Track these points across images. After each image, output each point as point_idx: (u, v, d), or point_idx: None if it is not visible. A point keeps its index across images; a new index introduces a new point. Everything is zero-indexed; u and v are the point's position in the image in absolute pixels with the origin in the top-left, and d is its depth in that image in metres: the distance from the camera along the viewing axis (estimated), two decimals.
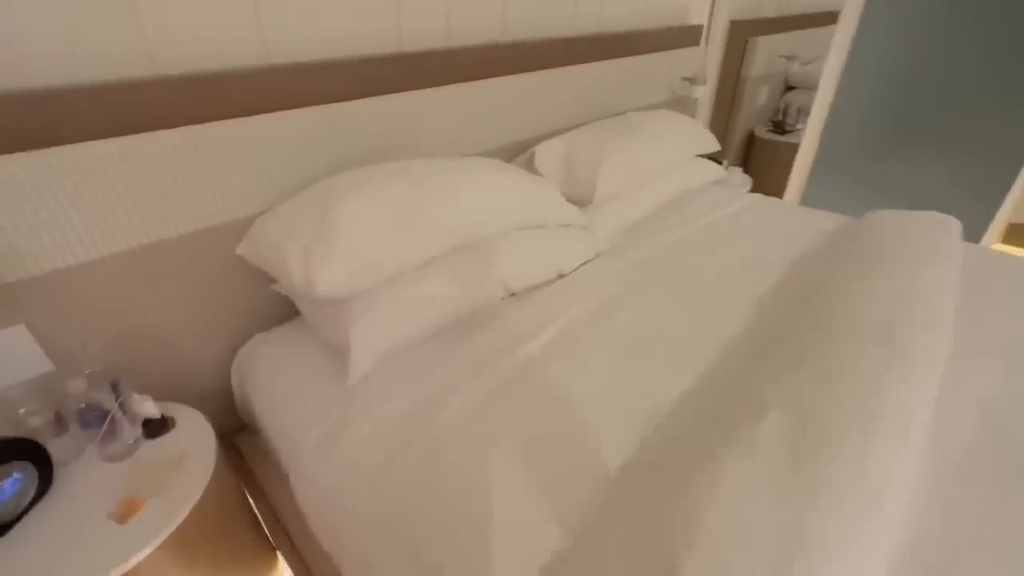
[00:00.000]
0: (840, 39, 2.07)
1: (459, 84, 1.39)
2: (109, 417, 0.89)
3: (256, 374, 1.12)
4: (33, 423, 0.87)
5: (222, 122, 1.03)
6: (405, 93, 1.30)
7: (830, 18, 2.24)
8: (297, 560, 1.16)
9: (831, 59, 2.12)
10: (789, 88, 3.15)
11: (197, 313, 1.13)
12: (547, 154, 1.47)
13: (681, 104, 2.32)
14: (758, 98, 2.90)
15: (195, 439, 0.98)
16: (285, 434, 0.99)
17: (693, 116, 2.49)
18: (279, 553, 1.19)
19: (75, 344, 0.98)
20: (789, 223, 1.58)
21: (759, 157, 2.95)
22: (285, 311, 1.26)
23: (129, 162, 0.92)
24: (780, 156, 2.83)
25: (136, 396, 0.96)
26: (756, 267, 1.32)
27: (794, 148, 2.79)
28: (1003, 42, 1.80)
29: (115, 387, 0.95)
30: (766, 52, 2.72)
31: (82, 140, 0.89)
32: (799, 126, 2.81)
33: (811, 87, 2.97)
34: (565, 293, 1.21)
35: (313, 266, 0.92)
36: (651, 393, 0.91)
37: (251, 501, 1.20)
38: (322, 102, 1.18)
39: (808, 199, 2.60)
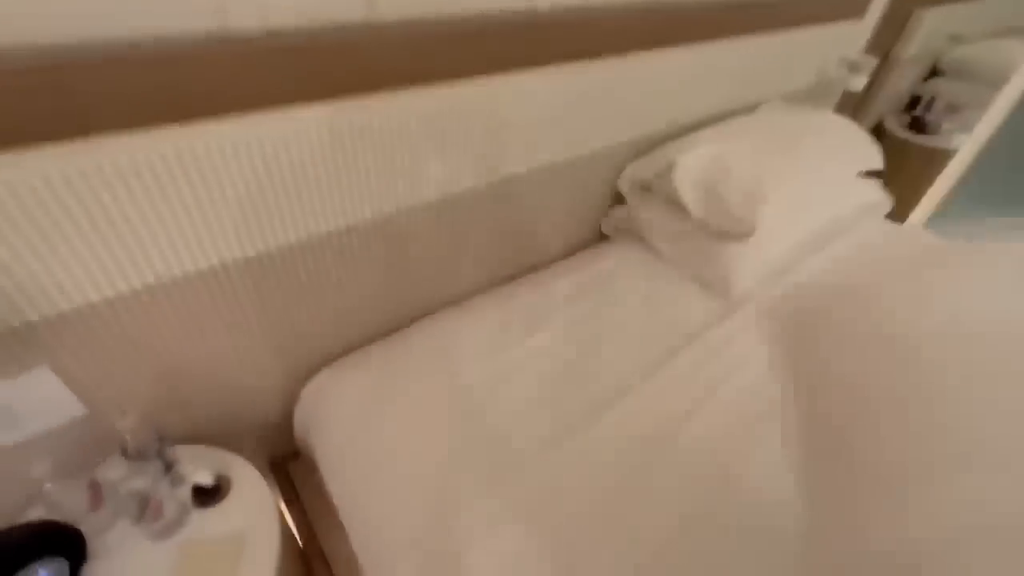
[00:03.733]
0: None
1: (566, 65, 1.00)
2: (153, 503, 0.70)
3: (328, 433, 0.93)
4: (59, 499, 0.70)
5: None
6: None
7: None
8: None
9: None
10: (933, 74, 2.64)
11: (253, 342, 0.91)
12: (690, 170, 1.15)
13: (822, 91, 1.91)
14: (900, 83, 2.42)
15: (255, 513, 0.81)
16: (368, 540, 0.81)
17: (831, 106, 2.08)
18: None
19: (111, 389, 0.77)
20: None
21: (884, 157, 2.51)
22: (352, 335, 1.05)
23: (186, 160, 0.66)
24: (910, 161, 2.41)
25: (188, 466, 0.77)
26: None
27: (931, 155, 2.36)
28: None
29: (160, 451, 0.77)
30: (931, 28, 2.21)
31: (118, 129, 0.63)
32: (945, 125, 2.35)
33: (968, 78, 2.48)
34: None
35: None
36: None
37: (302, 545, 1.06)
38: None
39: (933, 222, 2.22)
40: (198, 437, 0.92)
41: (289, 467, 1.15)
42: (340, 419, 0.93)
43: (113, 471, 0.67)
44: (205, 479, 0.79)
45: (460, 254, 1.12)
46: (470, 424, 0.90)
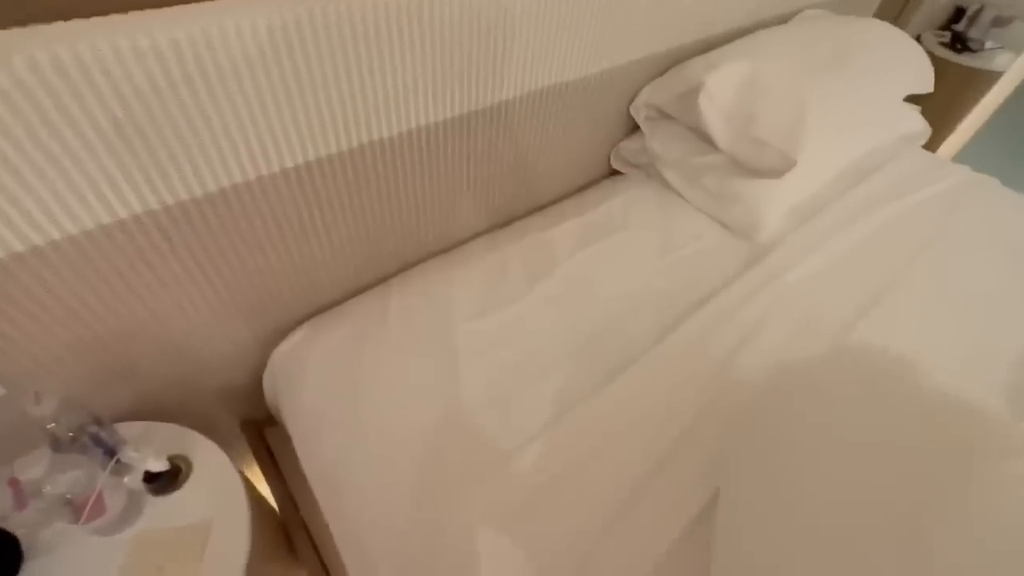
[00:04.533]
0: None
1: None
2: (92, 499, 0.59)
3: (299, 404, 0.81)
4: None
5: None
6: None
7: None
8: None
9: None
10: None
11: (203, 301, 0.77)
12: (719, 92, 0.96)
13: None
14: None
15: (220, 496, 0.71)
16: (347, 529, 0.71)
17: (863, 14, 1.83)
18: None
19: (29, 363, 0.64)
20: None
21: None
22: (325, 292, 0.91)
23: (70, 70, 0.49)
24: (947, 83, 2.17)
25: (136, 450, 0.65)
26: None
27: (971, 76, 2.12)
28: None
29: (97, 436, 0.65)
30: None
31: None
32: (989, 44, 2.11)
33: None
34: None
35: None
36: None
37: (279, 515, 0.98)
38: None
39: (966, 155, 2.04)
40: (151, 411, 0.80)
41: (265, 431, 1.05)
42: (312, 388, 0.81)
43: (34, 468, 0.55)
44: (157, 464, 0.68)
45: (450, 194, 0.95)
46: (465, 391, 0.78)
